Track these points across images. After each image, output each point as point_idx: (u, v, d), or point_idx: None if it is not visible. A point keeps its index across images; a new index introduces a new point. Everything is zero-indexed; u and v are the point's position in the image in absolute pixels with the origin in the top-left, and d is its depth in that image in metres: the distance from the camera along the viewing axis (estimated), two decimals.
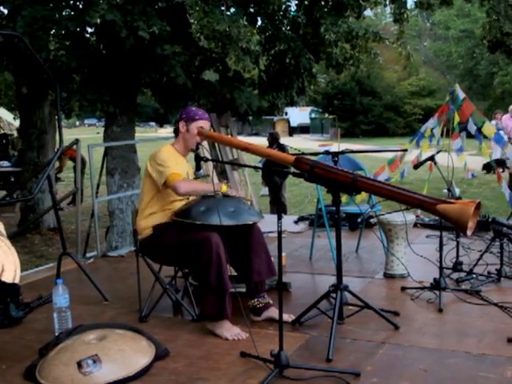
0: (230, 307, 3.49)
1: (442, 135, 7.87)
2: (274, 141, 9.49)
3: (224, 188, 3.73)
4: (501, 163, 10.06)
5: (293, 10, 8.34)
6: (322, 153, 4.53)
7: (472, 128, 7.17)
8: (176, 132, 3.93)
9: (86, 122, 59.15)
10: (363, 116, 35.79)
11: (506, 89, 29.57)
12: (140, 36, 5.90)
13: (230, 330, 3.48)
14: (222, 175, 7.06)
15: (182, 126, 3.86)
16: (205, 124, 3.87)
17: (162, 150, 3.83)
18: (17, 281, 4.23)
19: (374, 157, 17.95)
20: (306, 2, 8.13)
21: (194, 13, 6.35)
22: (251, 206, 4.04)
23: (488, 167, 13.60)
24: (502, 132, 12.95)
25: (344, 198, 5.32)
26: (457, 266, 4.67)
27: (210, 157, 3.73)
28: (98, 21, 5.92)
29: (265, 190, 10.33)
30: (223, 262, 3.44)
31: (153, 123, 53.32)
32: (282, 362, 2.87)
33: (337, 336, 3.28)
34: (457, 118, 7.44)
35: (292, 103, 8.89)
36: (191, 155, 3.84)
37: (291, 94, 8.26)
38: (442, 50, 37.47)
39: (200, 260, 3.47)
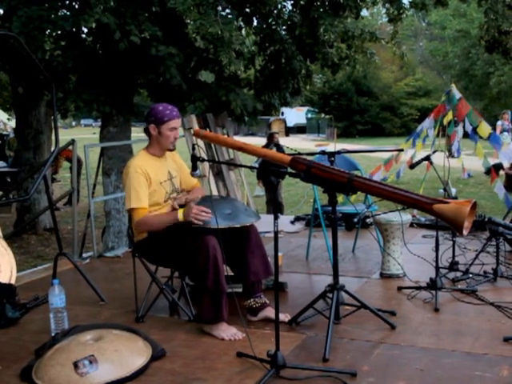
0: (226, 309, 3.49)
1: (438, 135, 7.90)
2: (271, 140, 9.51)
3: (180, 216, 3.52)
4: (499, 167, 10.14)
5: (288, 9, 8.35)
6: (319, 153, 4.54)
7: (469, 128, 7.18)
8: (147, 134, 3.76)
9: (82, 122, 58.97)
10: (359, 116, 35.79)
11: (502, 89, 29.58)
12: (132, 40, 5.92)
13: (226, 331, 3.48)
14: (219, 175, 7.06)
15: (152, 129, 3.69)
16: (176, 123, 3.70)
17: (132, 166, 3.65)
18: (13, 281, 4.25)
19: (371, 157, 17.99)
20: (302, 2, 8.13)
21: (189, 14, 6.35)
22: (248, 207, 4.03)
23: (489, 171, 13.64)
24: (506, 133, 13.03)
25: (340, 197, 5.35)
26: (453, 266, 4.67)
27: (206, 157, 3.72)
28: (94, 25, 5.93)
29: (259, 191, 10.31)
30: (220, 266, 3.43)
31: None
32: (278, 361, 2.87)
33: (333, 336, 3.28)
34: (449, 117, 7.46)
35: (287, 103, 8.89)
36: (186, 153, 3.83)
37: (286, 94, 8.27)
38: (438, 50, 37.44)
39: (197, 263, 3.45)
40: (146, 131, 3.76)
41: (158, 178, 3.73)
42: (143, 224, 3.62)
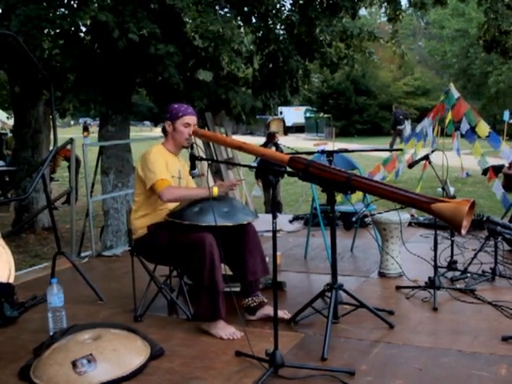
0: (223, 307, 3.49)
1: (437, 134, 7.90)
2: (270, 140, 9.51)
3: (215, 191, 3.64)
4: (498, 169, 10.14)
5: (287, 9, 8.35)
6: (317, 152, 4.54)
7: (464, 128, 7.17)
8: (164, 132, 3.88)
9: (80, 121, 58.96)
10: (358, 115, 35.75)
11: (501, 88, 29.61)
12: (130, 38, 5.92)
13: (224, 330, 3.48)
14: (217, 174, 7.06)
15: (168, 125, 3.82)
16: (190, 119, 3.80)
17: (152, 151, 3.75)
18: (11, 280, 4.24)
19: (369, 156, 17.99)
20: (301, 1, 8.13)
21: (188, 13, 6.34)
22: (246, 206, 4.03)
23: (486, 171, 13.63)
24: None
25: (339, 197, 5.35)
26: (451, 265, 4.68)
27: (204, 156, 3.73)
28: (89, 22, 5.92)
29: (257, 191, 10.28)
30: (216, 263, 3.44)
31: (148, 122, 53.06)
32: (277, 361, 2.88)
33: (332, 335, 3.28)
34: (449, 117, 7.47)
35: (285, 103, 8.88)
36: (185, 153, 3.83)
37: (284, 93, 8.26)
38: (436, 50, 37.47)
39: (193, 261, 3.46)
40: (163, 129, 3.88)
41: (171, 171, 3.78)
42: (169, 193, 3.61)
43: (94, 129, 28.10)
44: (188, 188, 3.84)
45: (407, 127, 20.52)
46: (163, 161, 3.74)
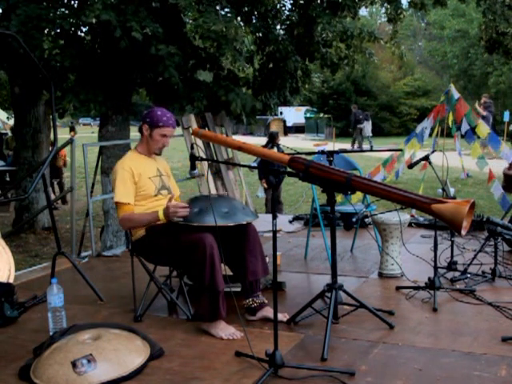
0: (224, 308, 3.49)
1: (437, 135, 7.91)
2: (270, 140, 9.51)
3: (161, 214, 3.58)
4: None
5: (288, 8, 8.36)
6: (317, 152, 4.54)
7: (464, 128, 7.18)
8: (141, 131, 3.85)
9: (80, 121, 59.04)
10: None
11: (501, 89, 29.66)
12: (133, 37, 5.91)
13: (224, 330, 3.48)
14: (217, 175, 7.05)
15: (145, 129, 3.80)
16: (168, 131, 3.78)
17: (118, 168, 3.75)
18: (11, 280, 4.25)
19: (369, 156, 18.00)
20: (302, 1, 8.13)
21: (189, 13, 6.35)
22: (246, 206, 4.03)
23: None
24: None
25: (339, 197, 5.35)
26: (451, 266, 4.68)
27: (204, 156, 3.73)
28: (94, 20, 5.91)
29: (261, 191, 10.25)
30: (216, 263, 3.43)
31: None
32: (276, 361, 2.87)
33: (332, 335, 3.28)
34: (450, 117, 7.47)
35: (285, 103, 8.89)
36: (185, 153, 3.83)
37: (284, 93, 8.27)
38: (436, 50, 37.53)
39: (193, 261, 3.46)
40: (140, 129, 3.86)
41: (147, 173, 3.81)
42: (125, 221, 3.70)
43: (95, 129, 28.10)
44: (138, 215, 3.73)
45: (367, 126, 24.27)
46: (129, 173, 3.72)
